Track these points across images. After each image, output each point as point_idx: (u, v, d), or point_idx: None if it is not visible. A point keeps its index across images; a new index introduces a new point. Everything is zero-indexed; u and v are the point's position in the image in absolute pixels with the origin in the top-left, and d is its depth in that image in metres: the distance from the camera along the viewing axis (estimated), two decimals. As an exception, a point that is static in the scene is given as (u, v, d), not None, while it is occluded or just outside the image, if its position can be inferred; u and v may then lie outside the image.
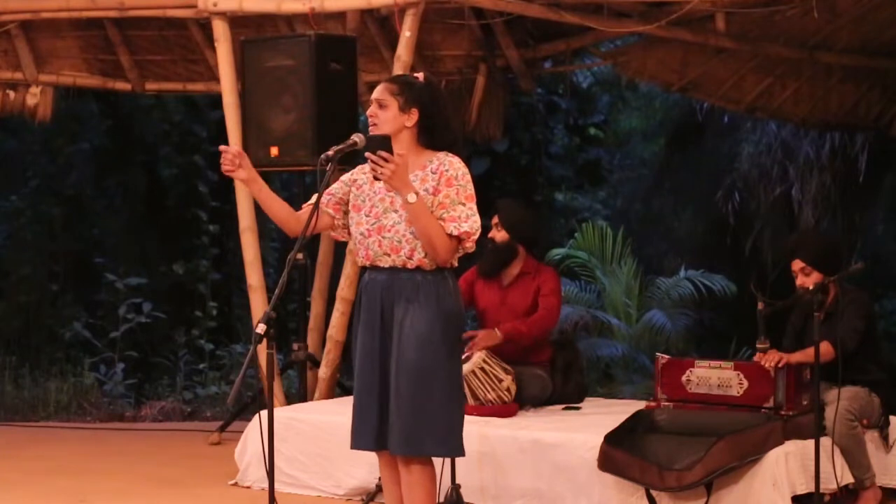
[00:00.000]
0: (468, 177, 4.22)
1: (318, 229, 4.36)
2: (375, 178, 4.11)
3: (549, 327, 6.15)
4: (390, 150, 4.06)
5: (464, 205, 4.18)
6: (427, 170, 4.21)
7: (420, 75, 4.35)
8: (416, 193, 4.09)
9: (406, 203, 4.09)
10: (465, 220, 4.16)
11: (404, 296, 4.20)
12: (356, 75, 7.06)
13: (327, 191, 4.37)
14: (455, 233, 4.15)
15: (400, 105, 4.21)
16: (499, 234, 6.12)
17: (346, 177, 4.41)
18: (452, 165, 4.21)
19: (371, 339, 4.26)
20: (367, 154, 4.07)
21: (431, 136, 4.27)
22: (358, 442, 4.34)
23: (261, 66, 6.92)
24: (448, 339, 4.20)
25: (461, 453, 4.34)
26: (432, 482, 4.27)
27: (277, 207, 4.33)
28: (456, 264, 4.30)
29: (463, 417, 4.33)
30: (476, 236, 4.20)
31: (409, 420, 4.15)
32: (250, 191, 4.34)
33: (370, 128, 4.25)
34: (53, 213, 11.00)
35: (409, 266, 4.20)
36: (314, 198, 4.27)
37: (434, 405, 4.16)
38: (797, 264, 5.51)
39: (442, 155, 4.23)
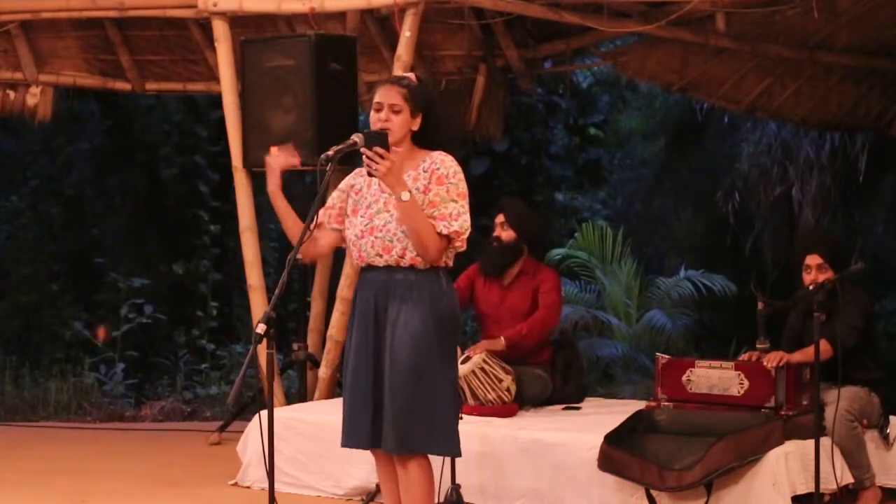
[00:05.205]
0: (460, 175, 4.23)
1: (327, 247, 4.44)
2: (369, 175, 4.14)
3: (551, 325, 6.15)
4: (387, 147, 4.08)
5: (455, 202, 4.19)
6: (420, 169, 4.22)
7: (412, 76, 4.37)
8: (410, 192, 4.11)
9: (399, 201, 4.11)
10: (456, 217, 4.17)
11: (398, 295, 4.21)
12: (356, 75, 7.06)
13: (326, 206, 4.40)
14: (445, 231, 4.16)
15: (411, 110, 4.23)
16: (505, 233, 6.13)
17: (343, 184, 4.43)
18: (444, 164, 4.22)
19: (365, 338, 4.27)
20: (362, 150, 4.09)
21: (428, 137, 4.29)
22: (351, 440, 4.35)
23: (261, 66, 6.92)
24: (441, 338, 4.21)
25: (457, 453, 4.34)
26: (430, 481, 4.28)
27: (291, 223, 4.35)
28: (451, 263, 4.30)
29: (457, 417, 4.32)
30: (466, 235, 4.21)
31: (403, 419, 4.16)
32: (274, 203, 4.34)
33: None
34: (53, 213, 11.00)
35: (402, 265, 4.21)
36: (314, 217, 4.29)
37: (427, 404, 4.17)
38: (814, 259, 5.47)
39: (436, 154, 4.25)
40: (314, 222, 4.16)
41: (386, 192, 4.23)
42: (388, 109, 4.22)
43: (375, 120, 4.23)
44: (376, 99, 4.25)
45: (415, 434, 4.17)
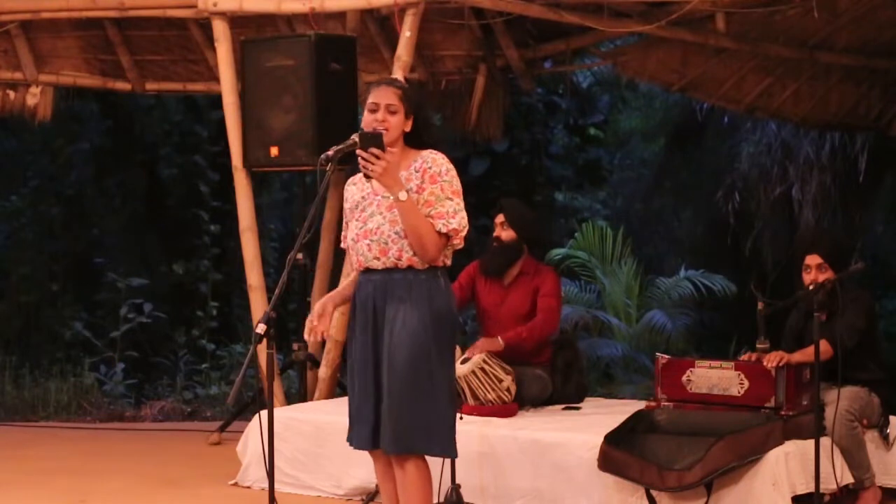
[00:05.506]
0: (453, 172, 4.25)
1: None
2: (366, 176, 4.15)
3: (550, 330, 6.14)
4: (382, 148, 4.09)
5: (451, 199, 4.20)
6: (411, 168, 4.24)
7: (401, 78, 4.41)
8: (407, 191, 4.12)
9: (397, 201, 4.12)
10: (453, 215, 4.18)
11: (397, 295, 4.21)
12: (356, 75, 7.07)
13: (345, 226, 4.43)
14: (444, 230, 4.17)
15: (405, 111, 4.24)
16: (505, 233, 6.13)
17: (344, 202, 4.45)
18: (436, 162, 4.23)
19: (365, 339, 4.28)
20: (357, 151, 4.09)
21: (419, 137, 4.31)
22: (356, 441, 4.36)
23: (261, 66, 6.92)
24: (439, 338, 4.21)
25: (453, 453, 4.33)
26: (428, 482, 4.27)
27: (347, 293, 4.46)
28: (449, 262, 4.31)
29: (455, 417, 4.32)
30: (464, 233, 4.23)
31: (400, 419, 4.16)
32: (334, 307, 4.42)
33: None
34: (53, 213, 11.00)
35: (400, 266, 4.22)
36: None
37: (425, 404, 4.17)
38: (814, 259, 5.46)
39: (426, 153, 4.26)
40: (313, 223, 4.16)
41: (379, 195, 4.24)
42: (385, 110, 4.23)
43: (371, 121, 4.23)
44: (371, 100, 4.26)
45: (412, 434, 4.17)
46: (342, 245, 4.50)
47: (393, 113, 4.23)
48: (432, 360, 4.18)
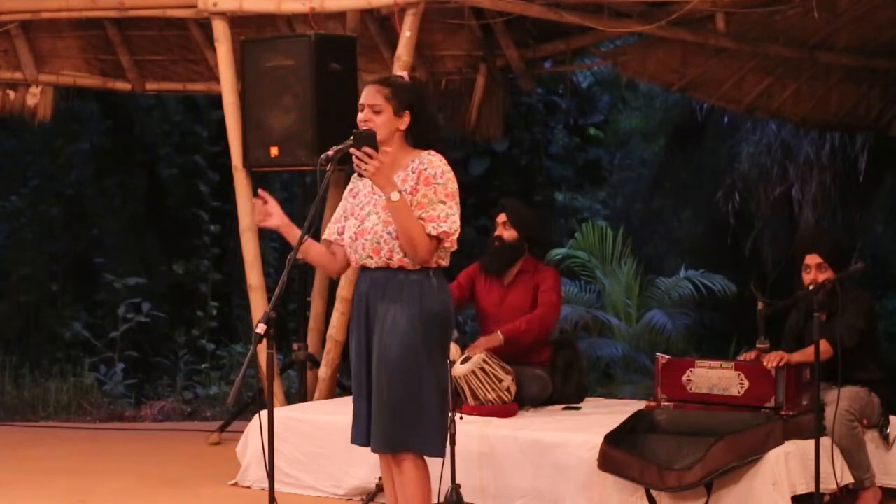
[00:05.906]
0: (449, 174, 4.23)
1: (346, 260, 4.40)
2: (359, 175, 4.15)
3: (550, 324, 6.15)
4: (376, 147, 4.09)
5: (444, 203, 4.19)
6: (408, 169, 4.23)
7: (403, 74, 4.39)
8: (400, 192, 4.11)
9: (389, 201, 4.11)
10: (445, 219, 4.17)
11: (388, 295, 4.22)
12: (356, 75, 7.07)
13: (335, 220, 4.42)
14: (434, 233, 4.16)
15: (394, 108, 4.23)
16: (507, 233, 6.14)
17: (346, 192, 4.45)
18: (432, 164, 4.22)
19: (359, 338, 4.29)
20: (351, 150, 4.09)
21: (419, 135, 4.29)
22: (354, 437, 4.37)
23: (261, 66, 6.93)
24: (429, 337, 4.20)
25: (440, 454, 4.31)
26: (425, 480, 4.27)
27: (315, 253, 4.41)
28: (445, 263, 4.30)
29: (446, 416, 4.32)
30: (455, 236, 4.22)
31: (388, 418, 4.17)
32: (289, 237, 4.33)
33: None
34: (53, 213, 11.00)
35: (391, 266, 4.22)
36: (327, 233, 4.39)
37: (414, 403, 4.17)
38: (814, 259, 5.47)
39: (424, 154, 4.25)
40: (313, 223, 4.16)
41: (376, 194, 4.24)
42: (369, 110, 4.23)
43: (360, 120, 4.25)
44: (360, 100, 4.27)
45: (400, 433, 4.18)
46: (324, 236, 4.44)
47: (377, 113, 4.22)
48: (421, 360, 4.18)
